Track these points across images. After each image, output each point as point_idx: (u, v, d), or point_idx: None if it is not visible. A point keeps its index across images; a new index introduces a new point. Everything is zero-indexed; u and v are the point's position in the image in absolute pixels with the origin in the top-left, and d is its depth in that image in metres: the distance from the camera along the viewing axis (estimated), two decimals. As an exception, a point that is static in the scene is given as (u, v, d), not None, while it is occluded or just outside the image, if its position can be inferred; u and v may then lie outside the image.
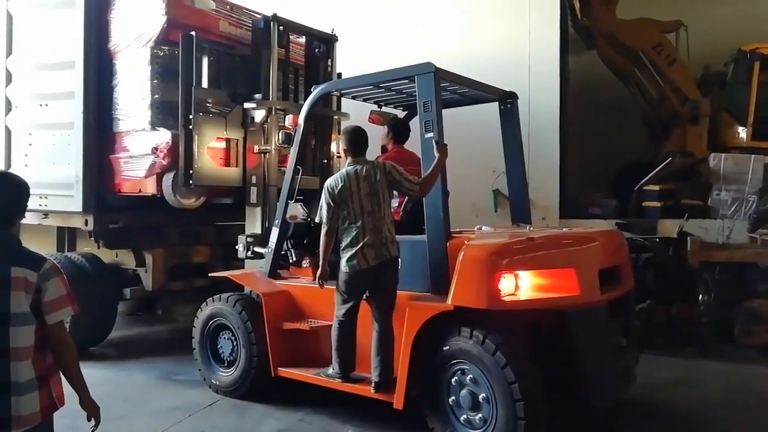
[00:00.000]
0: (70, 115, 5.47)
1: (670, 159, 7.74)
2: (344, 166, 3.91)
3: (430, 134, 3.70)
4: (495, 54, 7.61)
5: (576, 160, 8.74)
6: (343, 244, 3.75)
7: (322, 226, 3.82)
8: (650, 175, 7.66)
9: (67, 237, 6.38)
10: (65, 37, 5.49)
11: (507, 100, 4.73)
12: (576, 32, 9.07)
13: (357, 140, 3.90)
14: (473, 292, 3.35)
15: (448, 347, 3.44)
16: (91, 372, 5.11)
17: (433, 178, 3.66)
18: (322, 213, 3.80)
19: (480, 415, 3.37)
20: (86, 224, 5.53)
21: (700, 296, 5.85)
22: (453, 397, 3.48)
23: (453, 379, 3.48)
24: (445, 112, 3.88)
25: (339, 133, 5.71)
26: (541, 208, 7.53)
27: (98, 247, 5.90)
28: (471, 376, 3.39)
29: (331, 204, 3.75)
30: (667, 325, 5.86)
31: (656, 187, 7.55)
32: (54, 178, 5.60)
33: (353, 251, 3.68)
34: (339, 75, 5.91)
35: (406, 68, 3.98)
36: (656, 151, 8.85)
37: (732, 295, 5.89)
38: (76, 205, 5.45)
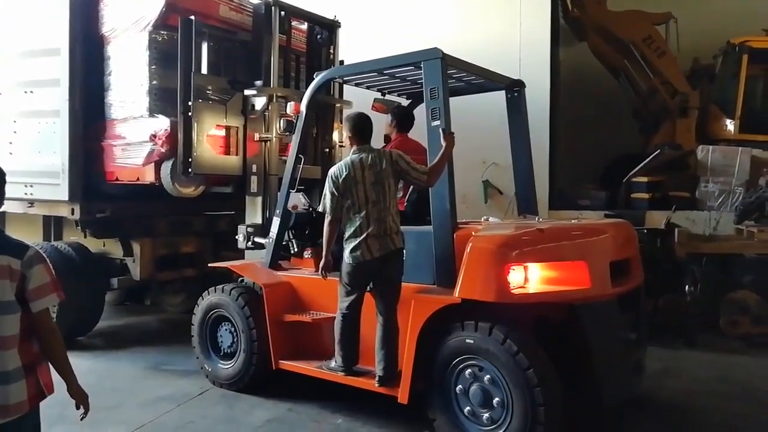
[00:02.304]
0: (56, 103, 5.38)
1: (658, 151, 7.79)
2: (349, 154, 3.78)
3: (437, 122, 3.60)
4: (486, 45, 7.58)
5: (566, 152, 8.77)
6: (347, 235, 3.65)
7: (326, 215, 3.72)
8: (639, 166, 7.71)
9: (53, 226, 6.32)
10: (51, 23, 5.39)
11: (514, 89, 4.63)
12: (567, 24, 9.09)
13: (361, 127, 3.78)
14: (481, 285, 3.25)
15: (454, 340, 3.34)
16: (78, 362, 5.07)
17: (440, 167, 3.56)
18: (326, 202, 3.69)
19: (489, 413, 3.27)
20: (72, 213, 5.47)
21: (687, 287, 5.90)
22: (460, 388, 3.38)
23: (459, 374, 3.38)
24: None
25: (341, 122, 5.63)
26: (531, 200, 7.54)
27: (85, 237, 5.85)
28: (480, 370, 3.30)
29: (335, 193, 3.64)
30: (654, 316, 5.92)
31: (645, 179, 7.61)
32: (40, 167, 5.52)
33: (357, 242, 3.58)
34: (341, 62, 5.79)
35: (413, 54, 3.85)
36: (645, 143, 8.91)
37: (718, 286, 5.95)
38: (62, 193, 5.38)
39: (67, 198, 5.38)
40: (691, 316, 5.81)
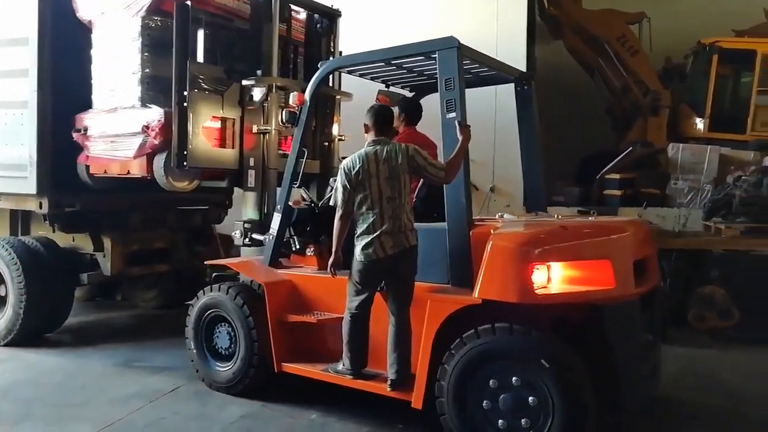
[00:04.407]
0: (24, 94, 5.24)
1: (630, 149, 7.94)
2: (365, 146, 3.61)
3: (453, 114, 3.44)
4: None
5: (540, 149, 8.85)
6: (359, 231, 3.50)
7: (337, 209, 3.56)
8: (611, 164, 7.85)
9: (21, 220, 6.16)
10: (18, 11, 5.24)
11: (524, 82, 4.50)
12: (543, 22, 9.17)
13: (383, 118, 3.62)
14: (504, 285, 3.11)
15: (482, 344, 3.16)
16: (45, 359, 5.05)
17: (457, 162, 3.40)
18: (338, 195, 3.55)
19: (524, 420, 3.09)
20: (41, 207, 5.33)
21: (657, 282, 6.01)
22: (488, 394, 3.18)
23: (487, 380, 3.18)
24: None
25: (340, 115, 5.47)
26: (506, 195, 7.65)
27: (53, 231, 5.70)
28: (512, 375, 3.11)
29: (348, 186, 3.48)
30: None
31: (617, 176, 7.76)
32: (6, 159, 5.37)
33: (370, 239, 3.43)
34: (340, 53, 5.61)
35: (427, 43, 3.69)
36: (618, 140, 9.06)
37: (687, 282, 6.08)
38: (30, 187, 5.24)
39: (35, 191, 5.25)
40: (660, 310, 5.91)
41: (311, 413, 3.92)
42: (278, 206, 4.29)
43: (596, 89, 9.57)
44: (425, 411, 3.42)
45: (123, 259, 5.75)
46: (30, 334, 5.40)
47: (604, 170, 7.85)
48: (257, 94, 4.69)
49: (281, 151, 4.74)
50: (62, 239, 5.76)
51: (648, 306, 3.57)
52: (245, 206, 4.78)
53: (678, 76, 9.19)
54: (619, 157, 7.86)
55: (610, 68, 9.00)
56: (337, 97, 5.47)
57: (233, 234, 4.72)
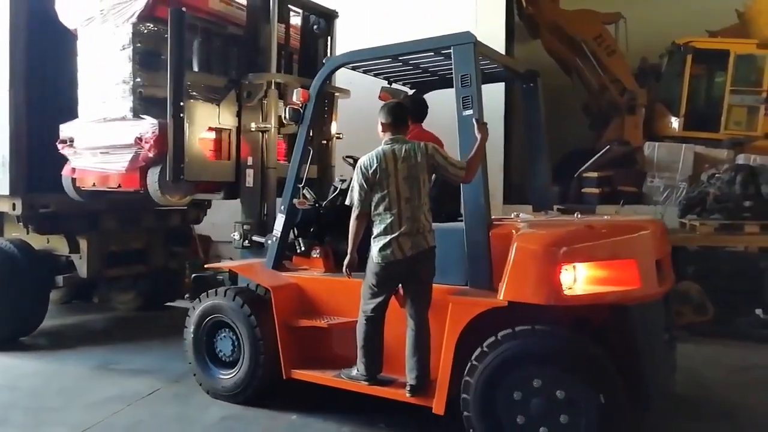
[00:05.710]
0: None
1: (608, 147, 8.04)
2: (381, 144, 3.50)
3: (469, 111, 3.35)
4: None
5: (519, 148, 8.93)
6: (376, 232, 3.39)
7: (353, 209, 3.46)
8: (589, 162, 7.94)
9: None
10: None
11: (530, 79, 4.44)
12: (521, 21, 9.25)
13: (399, 116, 3.53)
14: (530, 287, 3.04)
15: (510, 348, 3.07)
16: (22, 363, 4.97)
17: (477, 161, 3.32)
18: (354, 195, 3.45)
19: (556, 425, 3.00)
20: (14, 208, 5.25)
21: (634, 279, 6.08)
22: (517, 399, 3.08)
23: (515, 385, 3.09)
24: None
25: (337, 112, 5.34)
26: (486, 194, 7.65)
27: (27, 233, 5.60)
28: (545, 378, 3.02)
29: (365, 186, 3.38)
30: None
31: (595, 174, 7.85)
32: (-23, 160, 5.28)
33: (387, 240, 3.33)
34: None
35: (441, 38, 3.59)
36: (596, 139, 9.18)
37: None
38: (3, 188, 5.17)
39: (8, 192, 5.18)
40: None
41: (292, 414, 3.90)
42: (282, 207, 4.16)
43: (574, 88, 9.68)
44: (408, 410, 3.43)
45: (99, 260, 5.68)
46: (5, 337, 5.31)
47: (582, 168, 7.94)
48: (255, 90, 4.54)
49: (281, 162, 4.60)
50: (37, 241, 5.66)
51: (665, 305, 3.55)
52: (243, 207, 4.62)
53: (653, 76, 9.34)
54: (597, 156, 7.96)
55: (587, 68, 9.12)
56: (336, 94, 5.30)
57: (232, 236, 4.58)
